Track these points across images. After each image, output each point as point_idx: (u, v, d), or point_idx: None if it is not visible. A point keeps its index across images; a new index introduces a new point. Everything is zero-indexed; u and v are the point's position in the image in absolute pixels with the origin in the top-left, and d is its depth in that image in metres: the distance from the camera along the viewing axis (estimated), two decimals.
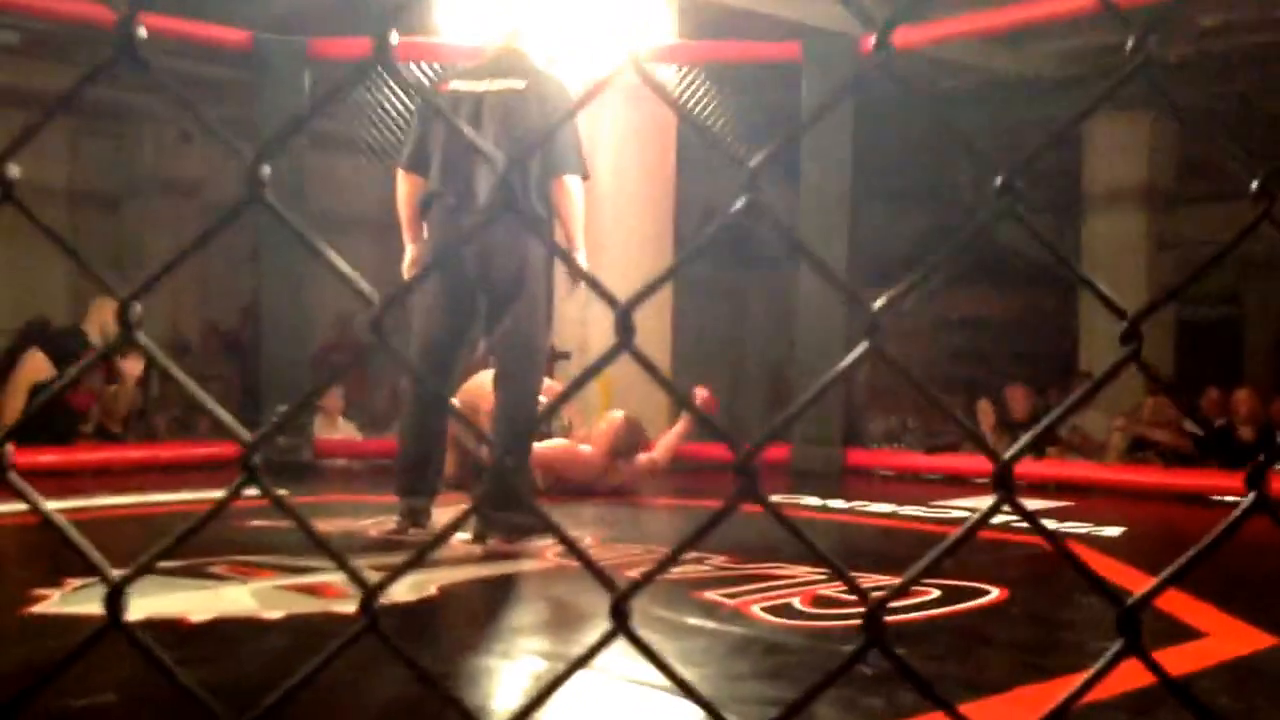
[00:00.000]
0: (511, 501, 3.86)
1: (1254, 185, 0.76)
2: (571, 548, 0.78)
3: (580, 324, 7.09)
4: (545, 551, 3.75)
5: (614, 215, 7.04)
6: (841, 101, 5.72)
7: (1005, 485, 0.76)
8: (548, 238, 4.03)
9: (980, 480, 6.32)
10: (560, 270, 4.22)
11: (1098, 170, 9.63)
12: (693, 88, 6.95)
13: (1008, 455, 0.77)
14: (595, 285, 0.76)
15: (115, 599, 0.68)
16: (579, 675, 2.37)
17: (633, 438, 5.37)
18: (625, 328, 0.74)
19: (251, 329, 7.36)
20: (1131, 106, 9.15)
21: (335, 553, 0.74)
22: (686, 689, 0.76)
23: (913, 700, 2.09)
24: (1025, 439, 0.80)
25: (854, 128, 6.66)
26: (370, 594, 0.72)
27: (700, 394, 5.75)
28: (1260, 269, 10.49)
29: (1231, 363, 10.73)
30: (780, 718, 0.77)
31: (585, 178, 4.03)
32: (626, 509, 5.01)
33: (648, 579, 0.76)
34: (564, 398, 0.88)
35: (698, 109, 6.97)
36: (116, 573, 0.72)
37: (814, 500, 5.26)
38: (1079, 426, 7.72)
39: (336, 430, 7.13)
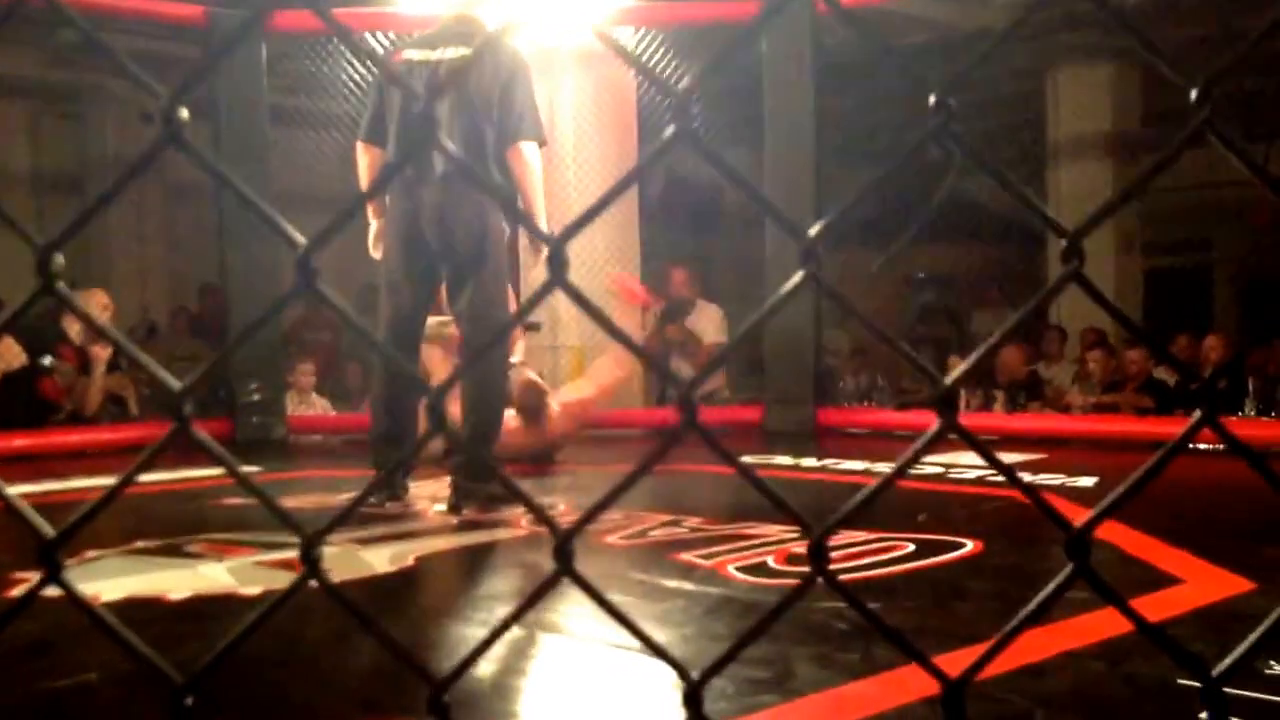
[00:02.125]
0: (485, 472, 3.90)
1: (1193, 94, 0.76)
2: (523, 500, 0.79)
3: (548, 296, 7.07)
4: (519, 520, 3.75)
5: (577, 183, 7.01)
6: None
7: (947, 408, 0.75)
8: (507, 205, 4.01)
9: (952, 436, 6.35)
10: (524, 240, 4.21)
11: (1062, 121, 9.63)
12: (652, 50, 6.92)
13: (948, 379, 0.77)
14: (528, 223, 0.76)
15: (50, 553, 0.68)
16: (553, 640, 2.38)
17: (532, 403, 5.25)
18: (557, 263, 0.74)
19: (215, 307, 7.29)
20: (1094, 56, 9.15)
21: (262, 493, 0.74)
22: (629, 626, 0.78)
23: (888, 655, 2.11)
24: (966, 364, 0.80)
25: (817, 90, 6.63)
26: (309, 541, 0.72)
27: (628, 286, 5.69)
28: (1229, 216, 10.53)
29: (1201, 310, 10.79)
30: (727, 654, 0.79)
31: (542, 143, 4.01)
32: (600, 476, 5.00)
33: (589, 517, 0.77)
34: (516, 320, 0.87)
35: (658, 71, 6.93)
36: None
37: (786, 460, 5.28)
38: (1051, 381, 7.76)
39: (310, 406, 7.10)
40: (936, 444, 0.78)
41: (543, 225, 4.00)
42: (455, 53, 3.97)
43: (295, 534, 0.74)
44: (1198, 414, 0.78)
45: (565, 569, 0.74)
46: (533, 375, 5.36)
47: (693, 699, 0.75)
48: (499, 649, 2.33)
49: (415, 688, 2.00)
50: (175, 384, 0.73)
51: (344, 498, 4.29)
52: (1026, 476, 4.66)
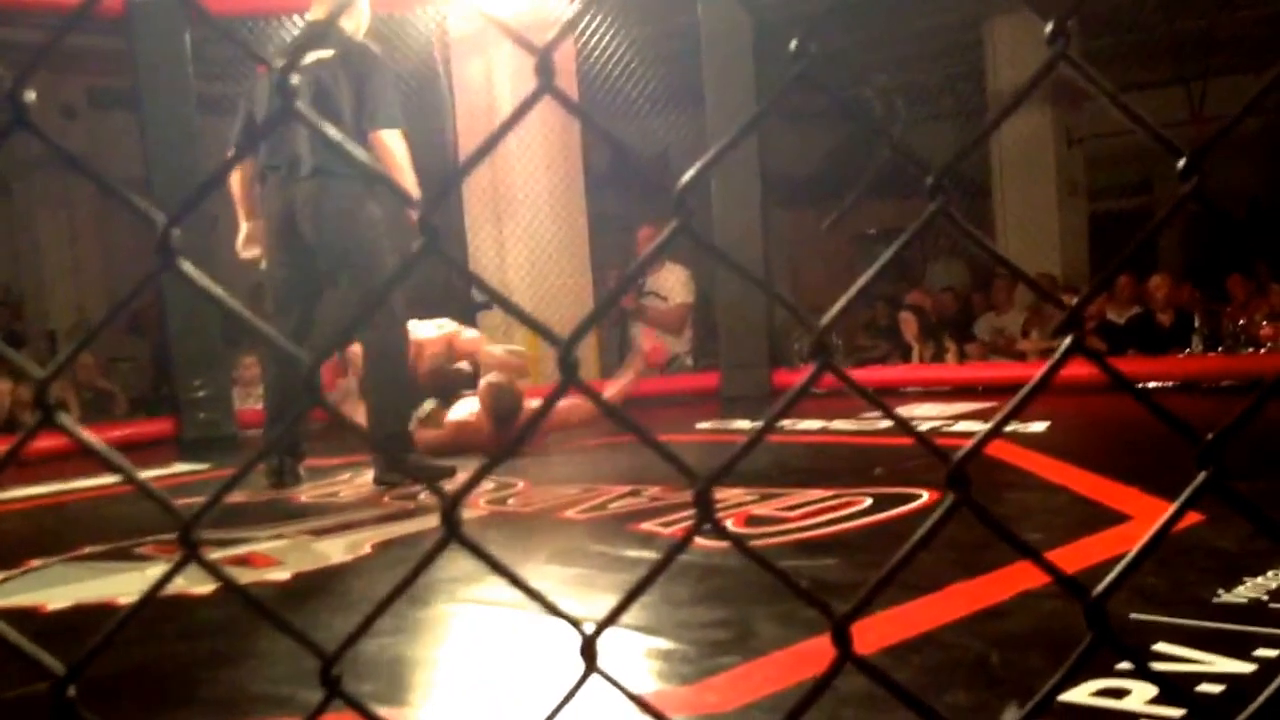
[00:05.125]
0: (404, 444, 4.14)
1: (1049, 29, 0.78)
2: (417, 472, 0.78)
3: (499, 271, 7.02)
4: (477, 501, 3.72)
5: (521, 163, 6.95)
6: None
7: (823, 350, 0.79)
8: (379, 196, 4.17)
9: (909, 390, 6.38)
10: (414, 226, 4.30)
11: (1001, 71, 9.58)
12: (590, 16, 6.86)
13: (823, 321, 0.80)
14: (381, 180, 0.75)
15: None
16: (501, 616, 2.34)
17: (503, 403, 4.92)
18: (429, 231, 0.75)
19: (152, 306, 7.18)
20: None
21: (140, 481, 0.74)
22: (531, 593, 0.79)
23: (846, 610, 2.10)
24: (837, 307, 0.82)
25: (755, 48, 6.59)
26: (186, 527, 0.73)
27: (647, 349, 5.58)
28: (1170, 159, 10.57)
29: (1146, 251, 10.84)
30: (617, 608, 0.79)
31: (403, 130, 4.15)
32: (562, 452, 4.97)
33: (472, 483, 0.79)
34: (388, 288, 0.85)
35: (597, 38, 6.88)
36: None
37: (744, 424, 5.27)
38: (1003, 329, 7.81)
39: (260, 399, 6.97)
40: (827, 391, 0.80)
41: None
42: (313, 57, 4.14)
43: (172, 520, 0.74)
44: (1067, 341, 0.81)
45: (452, 533, 0.74)
46: (499, 379, 5.04)
47: (587, 651, 0.77)
48: (469, 631, 2.34)
49: (386, 674, 1.99)
50: (39, 373, 0.71)
51: (293, 490, 4.23)
52: (978, 425, 4.67)
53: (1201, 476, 0.84)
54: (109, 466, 0.73)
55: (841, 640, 0.79)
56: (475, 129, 7.05)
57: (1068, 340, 0.81)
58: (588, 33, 6.97)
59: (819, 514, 3.11)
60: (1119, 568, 0.83)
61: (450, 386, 5.21)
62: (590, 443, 5.16)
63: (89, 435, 0.72)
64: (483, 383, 5.04)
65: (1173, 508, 0.84)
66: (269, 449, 4.17)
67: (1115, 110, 0.84)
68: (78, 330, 8.52)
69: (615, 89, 7.23)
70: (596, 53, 7.13)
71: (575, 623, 0.78)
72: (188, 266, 0.71)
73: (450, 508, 0.74)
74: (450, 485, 3.90)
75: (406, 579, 0.78)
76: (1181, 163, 0.81)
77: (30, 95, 0.68)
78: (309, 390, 0.74)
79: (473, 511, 3.58)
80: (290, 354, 0.76)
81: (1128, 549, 2.57)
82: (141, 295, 0.74)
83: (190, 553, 0.73)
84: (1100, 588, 0.82)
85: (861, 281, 0.82)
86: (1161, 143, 0.82)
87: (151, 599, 0.76)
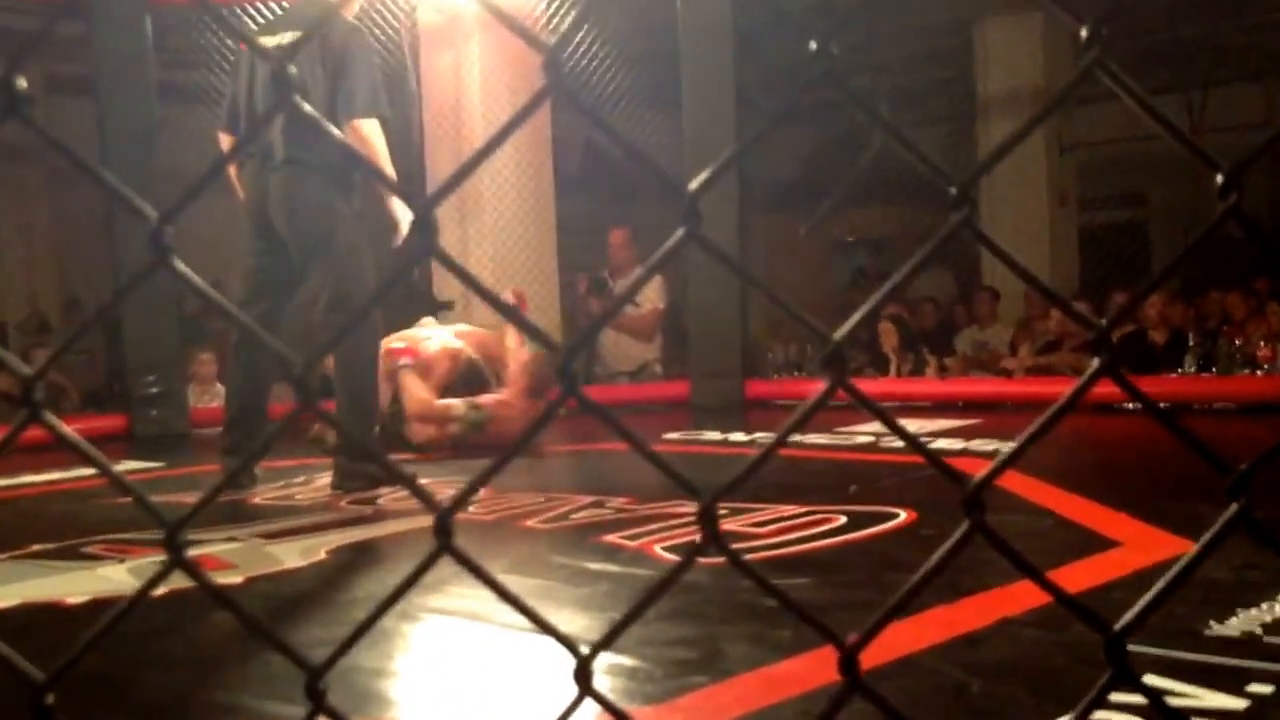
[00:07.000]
0: (365, 452, 4.03)
1: (1083, 33, 0.74)
2: (401, 480, 0.81)
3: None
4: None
5: (489, 161, 6.81)
6: None
7: (837, 365, 0.75)
8: (350, 187, 4.03)
9: (886, 404, 6.28)
10: (392, 220, 4.16)
11: (992, 76, 9.46)
12: (565, 12, 6.77)
13: (837, 334, 0.75)
14: (381, 176, 0.67)
15: None
16: (469, 626, 2.25)
17: (545, 374, 4.95)
18: (426, 228, 0.72)
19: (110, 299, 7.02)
20: (1024, 6, 9.04)
21: (124, 481, 0.77)
22: (525, 611, 0.76)
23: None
24: (853, 320, 0.77)
25: (736, 50, 6.49)
26: (172, 530, 0.71)
27: (512, 294, 5.53)
28: (1166, 169, 10.46)
29: (1140, 265, 10.62)
30: (615, 628, 0.76)
31: (383, 119, 4.00)
32: (523, 459, 4.83)
33: (469, 493, 0.76)
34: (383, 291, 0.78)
35: (573, 34, 6.78)
36: None
37: (715, 435, 5.18)
38: (986, 344, 7.73)
39: (215, 397, 6.81)
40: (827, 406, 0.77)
41: (395, 200, 4.10)
42: (290, 36, 3.94)
43: (157, 523, 0.73)
44: (1096, 362, 0.76)
45: (445, 545, 0.73)
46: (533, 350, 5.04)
47: (581, 674, 0.75)
48: (425, 640, 2.28)
49: (343, 685, 1.89)
50: (27, 370, 0.70)
51: (250, 491, 4.11)
52: (960, 443, 4.58)
53: (1233, 508, 0.77)
54: (92, 465, 0.73)
55: (850, 670, 0.76)
56: (442, 123, 6.94)
57: (1096, 362, 0.76)
58: (564, 25, 6.87)
59: (792, 531, 3.02)
60: (1142, 603, 0.78)
61: (476, 383, 5.12)
62: (556, 448, 5.03)
63: (73, 433, 0.71)
64: (525, 353, 5.03)
65: (1203, 540, 0.78)
66: (257, 451, 4.03)
67: (1110, 118, 0.76)
68: (30, 323, 8.36)
69: (588, 88, 7.13)
70: (569, 50, 7.04)
71: (571, 644, 0.75)
72: (179, 265, 0.70)
73: (444, 517, 0.72)
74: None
75: (397, 591, 0.76)
76: (1220, 178, 0.75)
77: (22, 83, 0.67)
78: (300, 390, 0.71)
79: (430, 520, 3.46)
80: (279, 353, 0.74)
81: (1118, 576, 2.50)
82: (137, 286, 0.72)
83: (175, 557, 0.71)
84: (1123, 622, 0.77)
85: (878, 295, 0.78)
86: (1198, 155, 0.77)
87: (138, 603, 0.74)
